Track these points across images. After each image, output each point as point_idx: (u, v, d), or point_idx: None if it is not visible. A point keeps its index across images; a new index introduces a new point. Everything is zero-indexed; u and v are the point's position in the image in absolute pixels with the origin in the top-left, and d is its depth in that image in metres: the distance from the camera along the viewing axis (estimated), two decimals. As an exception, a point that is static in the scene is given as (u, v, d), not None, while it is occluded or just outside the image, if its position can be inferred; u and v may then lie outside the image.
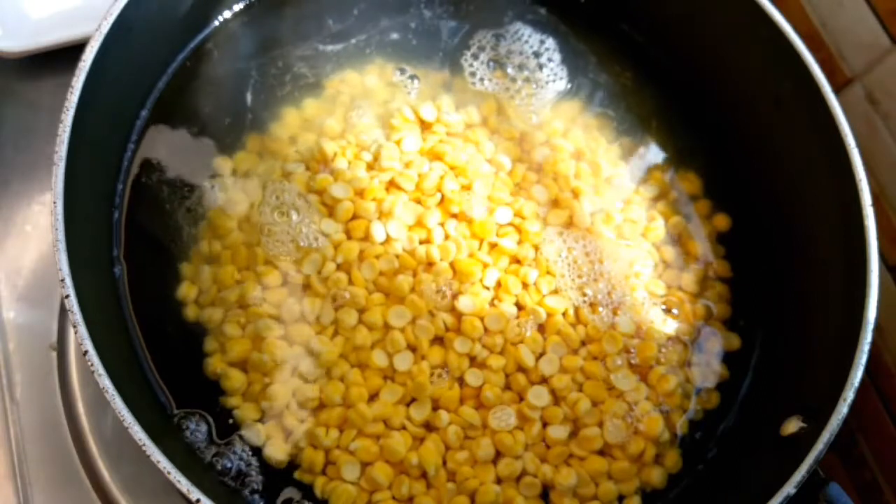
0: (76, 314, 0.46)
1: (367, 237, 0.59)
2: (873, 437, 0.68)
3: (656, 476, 0.57)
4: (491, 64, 0.67)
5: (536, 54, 0.68)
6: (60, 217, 0.48)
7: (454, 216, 0.60)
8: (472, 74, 0.67)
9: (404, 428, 0.55)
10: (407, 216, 0.60)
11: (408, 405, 0.56)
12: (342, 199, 0.59)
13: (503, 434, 0.55)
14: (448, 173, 0.61)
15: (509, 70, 0.67)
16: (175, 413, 0.53)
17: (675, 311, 0.62)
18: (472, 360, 0.57)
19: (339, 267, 0.58)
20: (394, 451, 0.53)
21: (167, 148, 0.61)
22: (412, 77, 0.66)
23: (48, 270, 0.64)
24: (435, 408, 0.56)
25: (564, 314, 0.59)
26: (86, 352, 0.46)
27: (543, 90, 0.68)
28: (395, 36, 0.68)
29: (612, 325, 0.59)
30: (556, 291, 0.60)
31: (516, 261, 0.60)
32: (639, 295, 0.61)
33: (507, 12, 0.70)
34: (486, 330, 0.57)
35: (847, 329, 0.53)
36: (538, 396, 0.56)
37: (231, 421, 0.54)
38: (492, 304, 0.59)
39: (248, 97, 0.64)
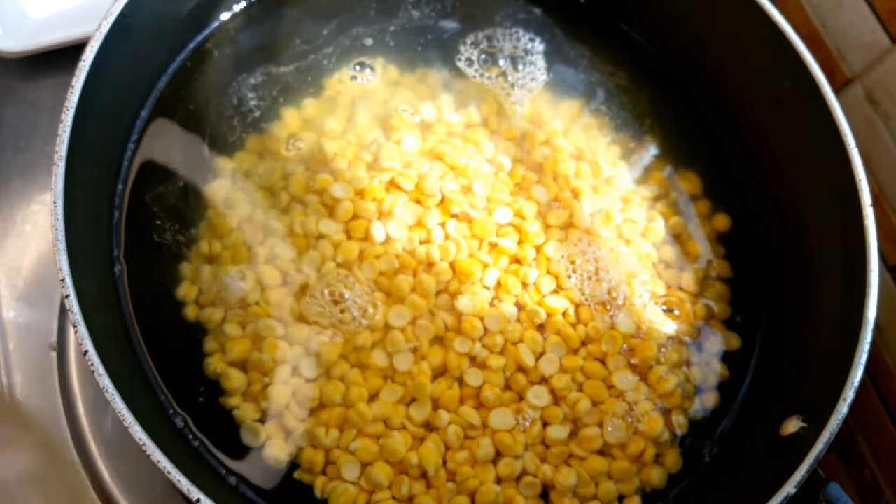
0: (76, 314, 0.46)
1: (367, 237, 0.59)
2: (873, 437, 0.68)
3: (656, 476, 0.57)
4: (483, 57, 0.67)
5: (527, 52, 0.69)
6: (60, 217, 0.48)
7: (454, 216, 0.60)
8: (466, 73, 0.67)
9: (404, 428, 0.55)
10: (407, 216, 0.60)
11: (408, 405, 0.56)
12: (342, 199, 0.59)
13: (503, 434, 0.55)
14: (448, 173, 0.62)
15: (500, 62, 0.66)
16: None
17: (675, 311, 0.62)
18: (473, 360, 0.57)
19: (339, 266, 0.58)
20: (394, 451, 0.53)
21: (167, 148, 0.61)
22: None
23: (48, 270, 0.64)
24: (435, 408, 0.56)
25: (564, 314, 0.59)
26: (86, 352, 0.46)
27: (540, 90, 0.68)
28: (389, 35, 0.68)
29: (612, 325, 0.59)
30: (556, 291, 0.60)
31: (516, 261, 0.60)
32: (639, 295, 0.61)
33: (499, 11, 0.70)
34: (486, 330, 0.58)
35: (847, 329, 0.53)
36: (538, 396, 0.57)
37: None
38: (492, 304, 0.59)
39: (248, 97, 0.64)
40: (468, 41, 0.69)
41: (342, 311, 0.57)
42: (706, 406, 0.60)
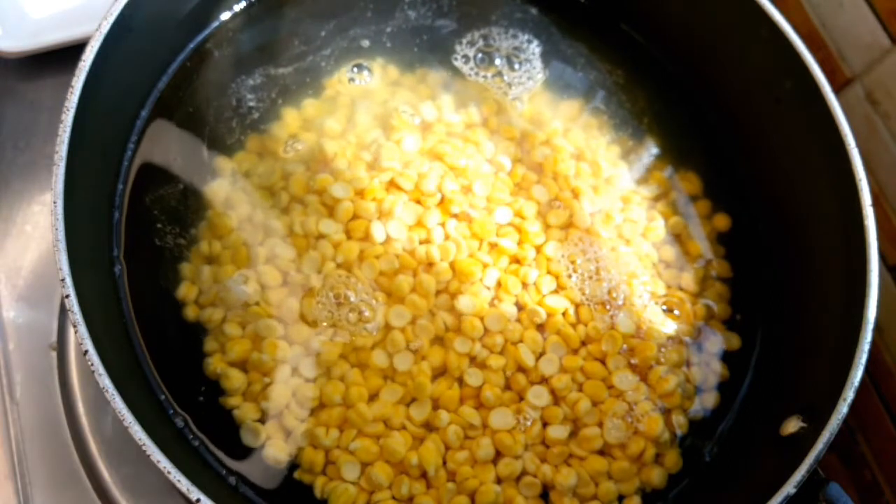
0: (76, 314, 0.46)
1: (367, 237, 0.59)
2: (873, 437, 0.68)
3: (656, 476, 0.57)
4: (479, 56, 0.67)
5: (523, 51, 0.69)
6: (60, 217, 0.48)
7: (454, 216, 0.60)
8: (462, 72, 0.67)
9: (404, 428, 0.55)
10: (407, 216, 0.60)
11: (408, 405, 0.56)
12: (342, 199, 0.59)
13: (503, 434, 0.55)
14: (448, 173, 0.62)
15: (496, 61, 0.66)
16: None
17: (675, 311, 0.62)
18: (473, 360, 0.57)
19: (338, 266, 0.58)
20: (394, 451, 0.53)
21: (167, 148, 0.61)
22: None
23: (48, 270, 0.64)
24: (435, 408, 0.56)
25: (564, 314, 0.59)
26: (86, 351, 0.46)
27: (538, 89, 0.68)
28: (386, 37, 0.68)
29: (612, 325, 0.59)
30: (556, 291, 0.60)
31: (516, 261, 0.60)
32: (639, 295, 0.61)
33: (495, 11, 0.70)
34: (486, 330, 0.58)
35: (847, 329, 0.53)
36: (538, 396, 0.57)
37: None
38: (492, 304, 0.59)
39: (248, 97, 0.64)
40: (464, 41, 0.69)
41: (350, 311, 0.57)
42: (706, 406, 0.60)
